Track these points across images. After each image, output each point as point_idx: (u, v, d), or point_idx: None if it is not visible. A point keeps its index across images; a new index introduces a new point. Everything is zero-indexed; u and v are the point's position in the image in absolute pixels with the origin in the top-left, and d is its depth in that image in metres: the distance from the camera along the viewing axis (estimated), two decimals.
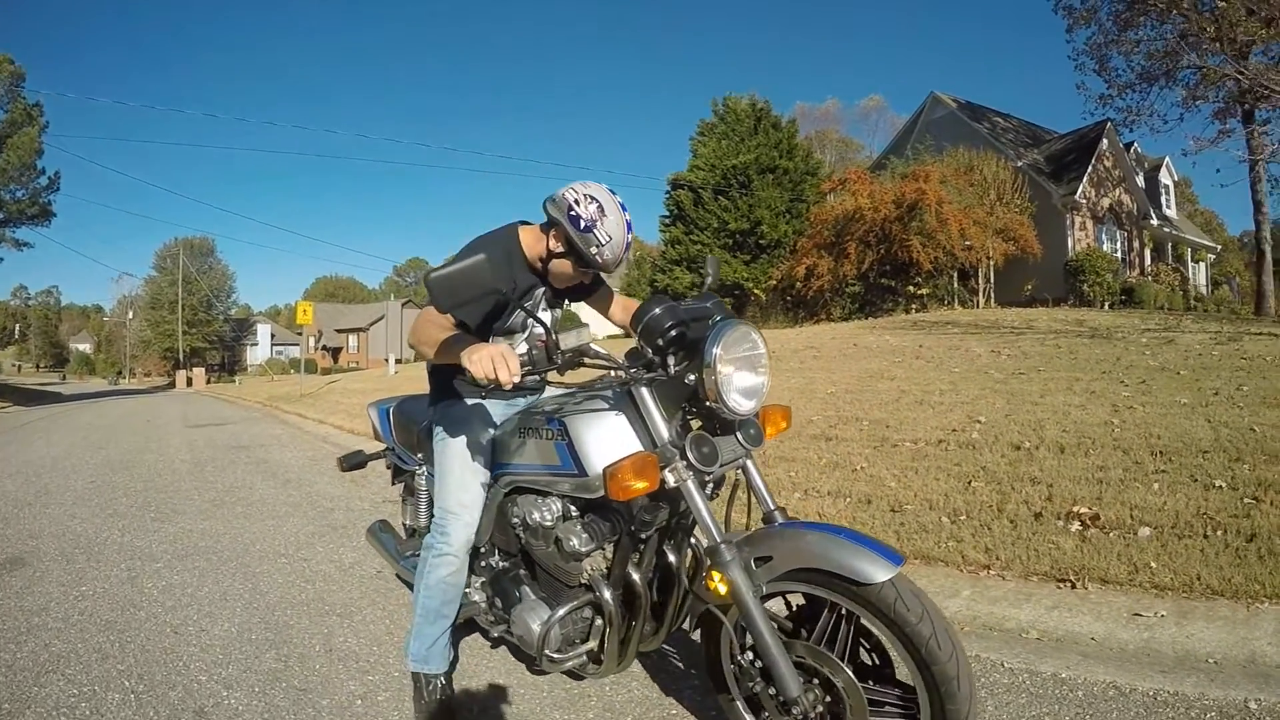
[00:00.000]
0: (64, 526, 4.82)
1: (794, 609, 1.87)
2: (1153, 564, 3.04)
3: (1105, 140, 22.83)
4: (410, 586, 3.33)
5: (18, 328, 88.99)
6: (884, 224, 19.07)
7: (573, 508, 2.00)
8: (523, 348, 2.06)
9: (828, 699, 1.66)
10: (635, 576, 1.91)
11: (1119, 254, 23.43)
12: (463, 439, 2.21)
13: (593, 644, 2.03)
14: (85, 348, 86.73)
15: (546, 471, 1.98)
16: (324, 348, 57.98)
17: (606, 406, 1.90)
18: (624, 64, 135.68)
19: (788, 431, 2.85)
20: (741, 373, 1.80)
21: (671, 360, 1.81)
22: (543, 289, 2.22)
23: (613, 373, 1.88)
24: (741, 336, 1.79)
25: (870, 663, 1.74)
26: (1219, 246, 32.21)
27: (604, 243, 2.00)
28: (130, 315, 63.37)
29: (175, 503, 5.61)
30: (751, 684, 1.73)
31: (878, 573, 1.54)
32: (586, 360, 1.78)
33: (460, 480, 2.19)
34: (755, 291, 24.40)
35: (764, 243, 25.67)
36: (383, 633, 2.91)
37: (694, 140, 28.35)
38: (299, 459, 8.16)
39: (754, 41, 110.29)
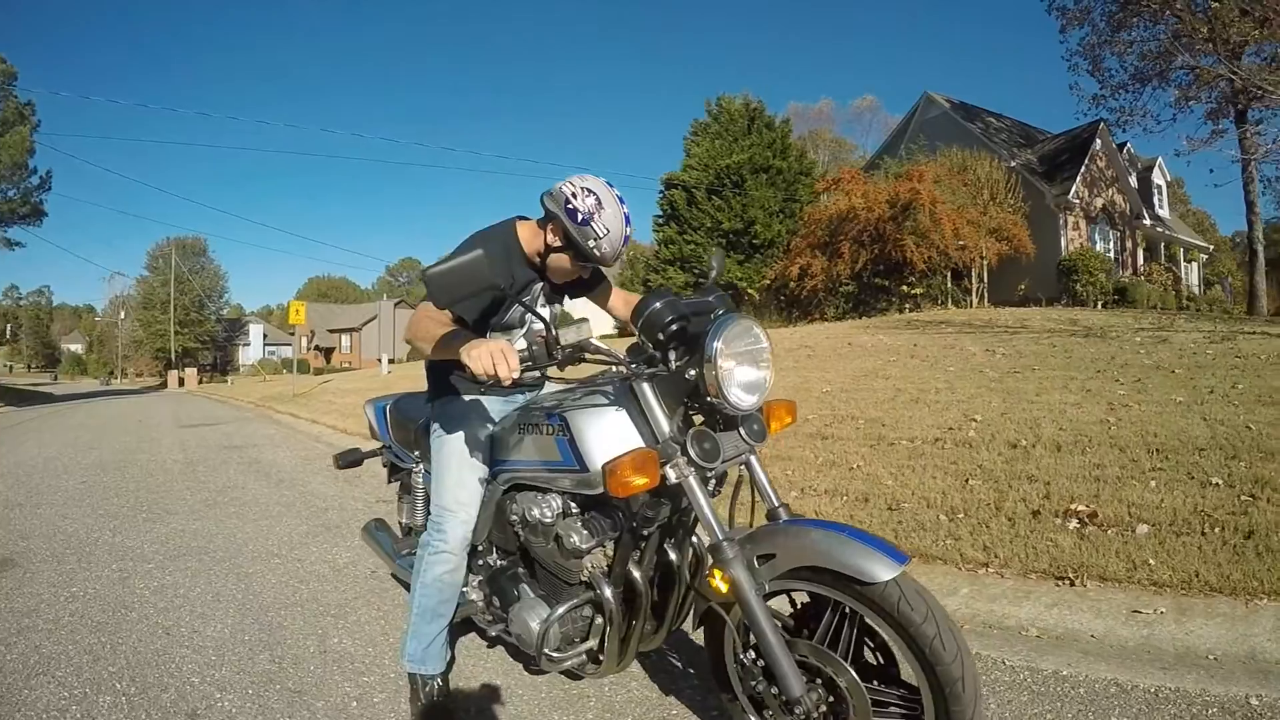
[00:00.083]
0: (55, 527, 4.77)
1: (798, 607, 1.85)
2: (1151, 561, 3.03)
3: (1098, 140, 22.89)
4: (406, 585, 3.30)
5: (9, 328, 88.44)
6: (878, 224, 19.07)
7: (573, 504, 1.98)
8: (521, 344, 2.04)
9: (831, 699, 1.64)
10: (636, 574, 1.88)
11: (1112, 254, 23.50)
12: (460, 436, 2.19)
13: (592, 643, 2.01)
14: (77, 348, 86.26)
15: (547, 467, 1.96)
16: (316, 348, 57.81)
17: (607, 402, 1.88)
18: (618, 64, 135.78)
19: (789, 428, 2.83)
20: (743, 367, 1.78)
21: (673, 355, 1.79)
22: (541, 284, 2.20)
23: (613, 368, 1.85)
24: (743, 331, 1.77)
25: (874, 662, 1.72)
26: (1211, 247, 32.36)
27: (602, 236, 1.98)
28: (122, 315, 63.02)
29: (167, 503, 5.56)
30: (754, 683, 1.71)
31: (882, 571, 1.52)
32: (587, 355, 1.76)
33: (458, 478, 2.17)
34: (749, 291, 24.40)
35: (758, 242, 25.68)
36: (378, 633, 2.88)
37: (688, 140, 28.36)
38: (292, 459, 8.12)
39: (748, 42, 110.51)
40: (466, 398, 2.28)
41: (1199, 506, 3.52)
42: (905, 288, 19.43)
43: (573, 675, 2.39)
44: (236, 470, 7.24)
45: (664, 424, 1.76)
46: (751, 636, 1.69)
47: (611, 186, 2.03)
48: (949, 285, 19.80)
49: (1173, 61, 17.49)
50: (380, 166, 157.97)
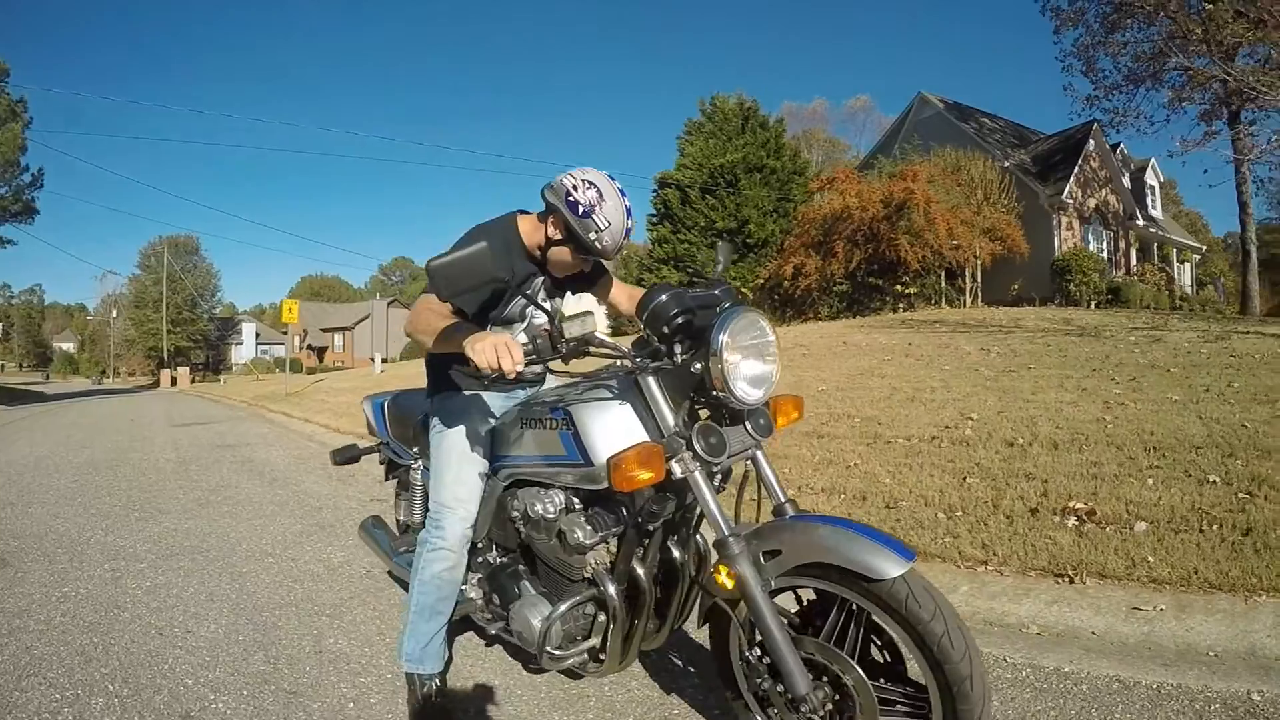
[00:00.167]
0: (46, 526, 4.72)
1: (804, 604, 1.83)
2: (1150, 558, 3.03)
3: (1092, 141, 23.00)
4: (404, 584, 3.27)
5: (1, 327, 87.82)
6: (872, 223, 19.09)
7: (576, 500, 1.96)
8: (522, 338, 2.02)
9: (837, 697, 1.62)
10: (640, 571, 1.86)
11: (1105, 254, 23.61)
12: (461, 431, 2.17)
13: (594, 641, 1.99)
14: (69, 347, 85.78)
15: (550, 462, 1.94)
16: (309, 347, 57.61)
17: (612, 395, 1.86)
18: (612, 62, 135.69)
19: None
20: (749, 361, 1.76)
21: (678, 348, 1.77)
22: (541, 279, 2.18)
23: (618, 362, 1.84)
24: (750, 324, 1.75)
25: (881, 660, 1.71)
26: (1204, 247, 32.54)
27: (603, 228, 1.96)
28: (114, 314, 62.74)
29: (160, 502, 5.52)
30: (760, 680, 1.70)
31: (890, 568, 1.50)
32: (592, 348, 1.73)
33: (457, 474, 2.15)
34: (743, 290, 24.38)
35: (751, 242, 25.69)
36: (374, 633, 2.86)
37: (681, 139, 28.37)
38: (285, 458, 8.07)
39: (742, 41, 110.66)
40: (466, 393, 2.26)
41: (1197, 504, 3.52)
42: (899, 287, 19.45)
43: (573, 674, 2.37)
44: (229, 469, 7.19)
45: (669, 418, 1.74)
46: (757, 633, 1.68)
47: (613, 179, 2.01)
48: (943, 285, 19.84)
49: (1166, 63, 17.56)
50: (375, 165, 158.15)
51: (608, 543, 1.92)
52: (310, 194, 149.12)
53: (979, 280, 20.10)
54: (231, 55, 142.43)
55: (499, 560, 2.30)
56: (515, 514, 2.11)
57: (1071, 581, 2.98)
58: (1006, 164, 21.66)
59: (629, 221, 2.01)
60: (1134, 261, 24.91)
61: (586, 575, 1.94)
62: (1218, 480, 3.81)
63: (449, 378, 2.27)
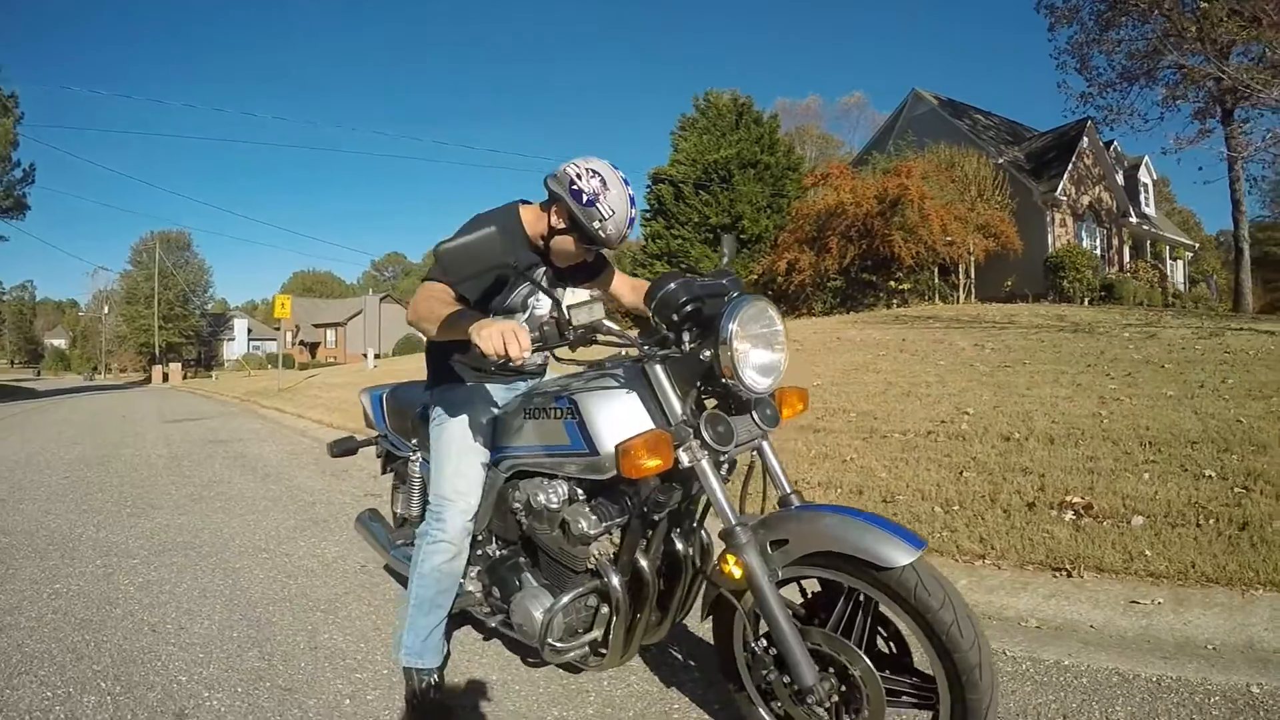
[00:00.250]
0: (38, 523, 4.68)
1: (809, 596, 1.82)
2: (1147, 552, 3.03)
3: (1086, 138, 23.04)
4: (400, 577, 3.26)
5: None
6: (866, 219, 19.09)
7: (579, 490, 1.94)
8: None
9: (843, 688, 1.61)
10: (643, 563, 1.85)
11: (1098, 251, 23.67)
12: (461, 423, 2.15)
13: (596, 633, 1.97)
14: (60, 343, 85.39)
15: (553, 452, 1.93)
16: (301, 343, 57.41)
17: (618, 384, 1.84)
18: (605, 59, 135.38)
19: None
20: (758, 350, 1.75)
21: (686, 336, 1.75)
22: (544, 269, 2.17)
23: (623, 352, 1.82)
24: (759, 313, 1.74)
25: (887, 651, 1.70)
26: (1196, 245, 32.68)
27: (607, 217, 1.96)
28: (106, 310, 62.41)
29: (152, 498, 5.48)
30: (765, 672, 1.68)
31: (899, 556, 1.49)
32: (599, 336, 1.72)
33: (457, 466, 2.13)
34: None
35: (745, 237, 25.65)
36: (369, 629, 2.83)
37: (675, 135, 28.29)
38: (278, 453, 8.03)
39: (736, 38, 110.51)
40: (468, 384, 2.25)
41: (1193, 498, 3.53)
42: (893, 283, 19.47)
43: (572, 669, 2.35)
44: (222, 465, 7.15)
45: (677, 406, 1.72)
46: (762, 625, 1.67)
47: (616, 168, 2.00)
48: (936, 281, 19.86)
49: (1160, 60, 17.60)
50: (369, 160, 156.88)
51: (611, 534, 1.90)
52: (303, 189, 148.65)
53: (972, 276, 20.15)
54: (225, 50, 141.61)
55: (499, 553, 2.29)
56: (517, 505, 2.09)
57: (1069, 575, 2.98)
58: (1000, 160, 21.68)
59: (632, 210, 2.01)
60: (1127, 258, 25.00)
61: (589, 566, 1.93)
62: (1213, 475, 3.82)
63: (449, 369, 2.26)
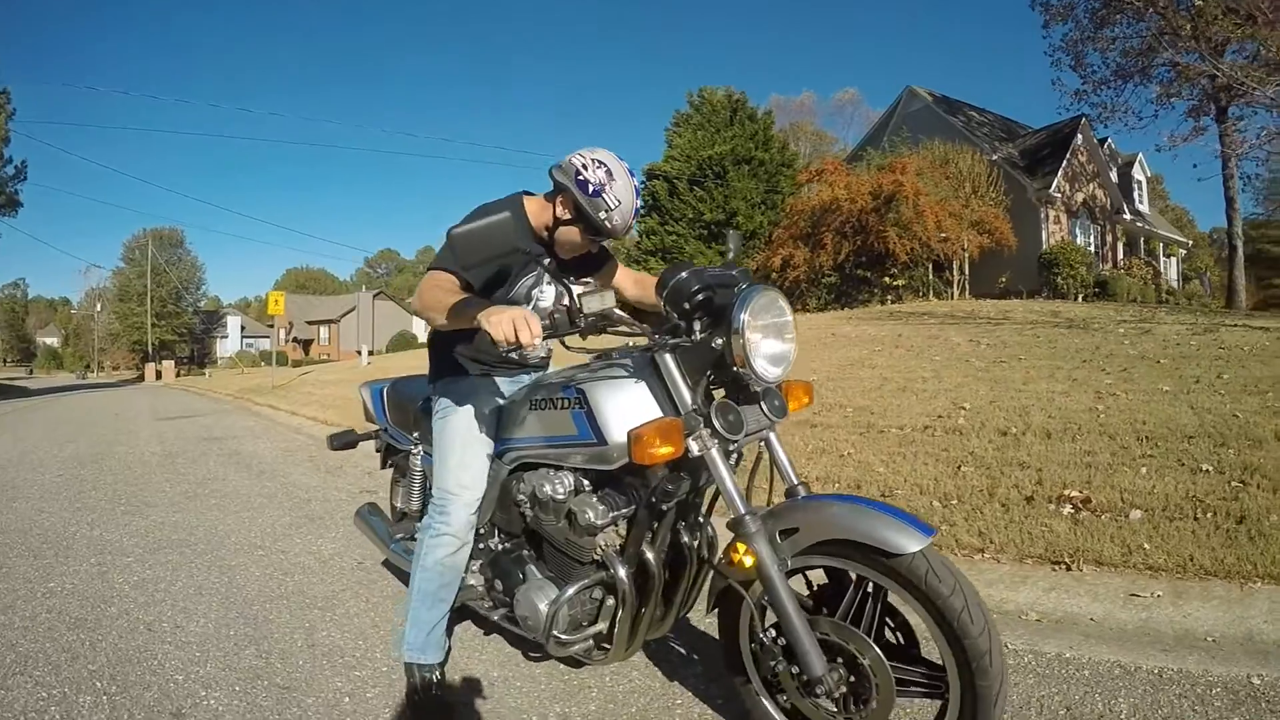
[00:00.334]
0: (31, 521, 4.64)
1: (814, 589, 1.82)
2: (1146, 546, 3.04)
3: (1080, 135, 23.08)
4: (399, 572, 3.25)
5: None
6: (860, 215, 19.10)
7: (585, 481, 1.94)
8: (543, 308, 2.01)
9: (852, 679, 1.61)
10: (649, 555, 1.84)
11: (1092, 248, 23.73)
12: (465, 416, 2.14)
13: (601, 626, 1.97)
14: (53, 341, 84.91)
15: (560, 443, 1.92)
16: (295, 340, 57.27)
17: (627, 374, 1.83)
18: (599, 56, 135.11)
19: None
20: (769, 339, 1.74)
21: (697, 325, 1.75)
22: (548, 260, 2.15)
23: (630, 341, 1.81)
24: (769, 303, 1.74)
25: (895, 642, 1.69)
26: (1190, 242, 32.79)
27: (613, 207, 1.95)
28: (98, 308, 62.07)
29: (146, 495, 5.44)
30: (773, 663, 1.68)
31: (909, 543, 1.49)
32: (610, 324, 1.71)
33: (461, 459, 2.12)
34: None
35: (728, 232, 25.63)
36: (367, 626, 2.81)
37: (669, 131, 28.25)
38: (272, 450, 8.00)
39: (730, 34, 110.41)
40: (471, 376, 2.24)
41: (1190, 492, 3.54)
42: (887, 279, 19.50)
43: (574, 664, 2.34)
44: (216, 462, 7.11)
45: (686, 395, 1.72)
46: (770, 616, 1.67)
47: (621, 159, 2.00)
48: (930, 277, 19.90)
49: (1155, 58, 17.64)
50: (363, 157, 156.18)
51: (617, 525, 1.90)
52: (297, 186, 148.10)
53: (967, 273, 20.17)
54: (220, 46, 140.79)
55: (502, 546, 2.28)
56: (521, 497, 2.09)
57: (1069, 569, 2.98)
58: (995, 157, 21.73)
59: (638, 201, 2.01)
60: (1121, 255, 25.07)
61: (595, 558, 1.92)
62: (1210, 469, 3.82)
63: (453, 362, 2.25)
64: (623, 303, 2.45)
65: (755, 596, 1.73)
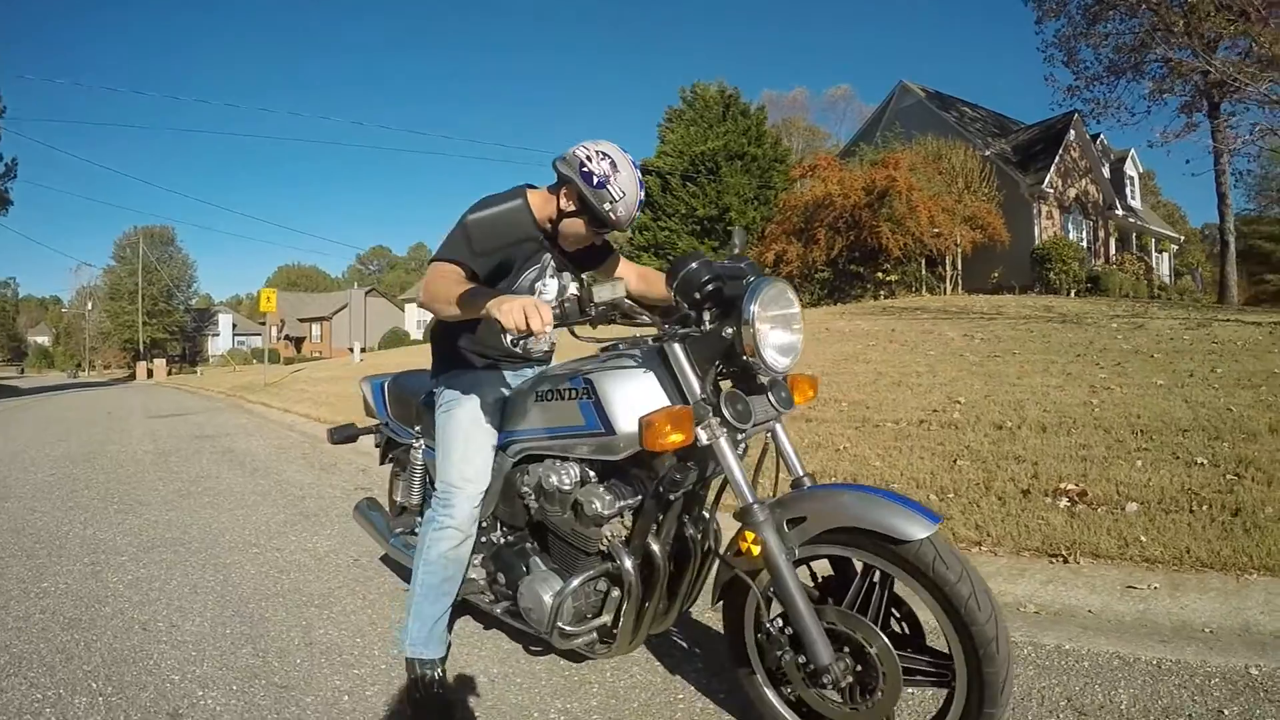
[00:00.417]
0: (23, 521, 4.60)
1: (819, 580, 1.82)
2: (1142, 538, 3.05)
3: (1072, 131, 23.17)
4: (398, 569, 3.23)
5: None
6: (854, 210, 19.13)
7: (591, 472, 1.94)
8: (550, 296, 2.03)
9: (858, 668, 1.61)
10: (655, 547, 1.85)
11: (1085, 243, 23.82)
12: (469, 409, 2.14)
13: (606, 618, 1.97)
14: (44, 340, 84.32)
15: (566, 433, 1.92)
16: (287, 337, 56.96)
17: (635, 364, 1.84)
18: (591, 51, 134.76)
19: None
20: (777, 330, 1.75)
21: (707, 316, 1.76)
22: (550, 253, 2.16)
23: (638, 332, 1.82)
24: (778, 294, 1.75)
25: (900, 632, 1.70)
26: (1181, 238, 32.95)
27: (618, 199, 1.96)
28: (89, 306, 61.69)
29: (139, 494, 5.40)
30: (780, 653, 1.68)
31: (916, 530, 1.50)
32: (620, 314, 1.71)
33: (465, 452, 2.12)
34: None
35: (732, 229, 25.61)
36: (365, 623, 2.80)
37: (662, 127, 28.27)
38: (266, 447, 7.96)
39: (722, 29, 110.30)
40: (476, 370, 2.24)
41: (1186, 485, 3.55)
42: (880, 274, 19.55)
43: (574, 660, 2.34)
44: (209, 460, 7.07)
45: (695, 385, 1.73)
46: (775, 606, 1.67)
47: (625, 151, 2.00)
48: (924, 272, 19.98)
49: (1147, 54, 17.73)
50: (355, 153, 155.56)
51: (623, 516, 1.90)
52: (288, 183, 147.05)
53: (959, 268, 20.25)
54: (212, 43, 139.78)
55: (505, 539, 2.28)
56: (526, 489, 2.09)
57: (1065, 561, 2.99)
58: (987, 153, 21.78)
59: (641, 193, 2.02)
60: (1113, 251, 25.19)
61: (601, 548, 1.92)
62: (1205, 462, 3.84)
63: (456, 355, 2.25)
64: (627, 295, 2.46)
65: (762, 586, 1.74)
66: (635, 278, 2.42)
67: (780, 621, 1.71)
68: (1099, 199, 24.74)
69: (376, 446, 3.12)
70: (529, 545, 2.19)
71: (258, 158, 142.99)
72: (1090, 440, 4.42)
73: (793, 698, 1.79)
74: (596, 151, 1.96)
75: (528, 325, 1.58)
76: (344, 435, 3.17)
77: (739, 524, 1.71)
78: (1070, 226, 23.71)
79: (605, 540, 1.90)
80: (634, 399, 1.77)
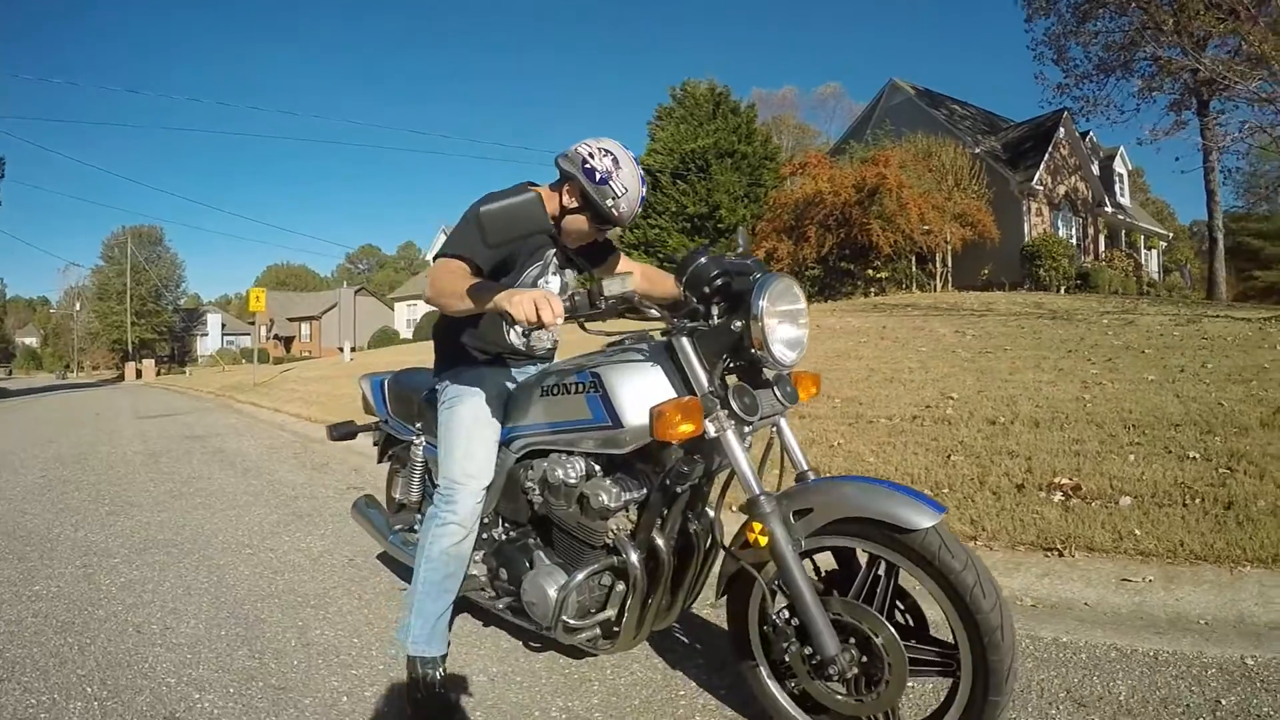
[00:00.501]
0: (14, 523, 4.55)
1: (823, 574, 1.83)
2: (1136, 531, 3.07)
3: (1062, 129, 23.30)
4: (395, 567, 3.22)
5: None
6: (844, 208, 19.18)
7: (597, 466, 1.94)
8: (554, 286, 2.03)
9: (864, 659, 1.62)
10: (659, 541, 1.85)
11: (1074, 240, 23.98)
12: (472, 405, 2.14)
13: (610, 612, 1.97)
14: (32, 341, 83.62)
15: (573, 428, 1.92)
16: (276, 337, 56.67)
17: (642, 358, 1.84)
18: (581, 49, 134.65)
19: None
20: (785, 325, 1.76)
21: (715, 310, 1.77)
22: (553, 250, 2.17)
23: (644, 327, 1.83)
24: (785, 289, 1.76)
25: (905, 623, 1.71)
26: (1170, 234, 33.22)
27: (620, 195, 1.97)
28: (78, 307, 61.21)
29: (130, 495, 5.36)
30: (785, 644, 1.68)
31: (922, 519, 1.51)
32: (629, 308, 1.72)
33: (467, 448, 2.11)
34: None
35: (722, 226, 25.70)
36: (361, 623, 2.78)
37: (652, 125, 28.29)
38: (257, 447, 7.92)
39: (712, 27, 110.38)
40: (479, 366, 2.23)
41: (1179, 479, 3.58)
42: (871, 271, 19.62)
43: (574, 656, 2.33)
44: (200, 460, 7.02)
45: (703, 379, 1.73)
46: (781, 599, 1.68)
47: (627, 148, 2.02)
48: (914, 269, 20.05)
49: (1137, 52, 17.85)
50: (343, 152, 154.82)
51: (628, 510, 1.91)
52: (277, 182, 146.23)
53: (949, 265, 20.32)
54: (205, 42, 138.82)
55: (507, 535, 2.28)
56: (530, 484, 2.09)
57: (1061, 555, 3.01)
58: (977, 150, 21.89)
59: (643, 189, 2.03)
60: (1102, 248, 25.35)
61: (607, 542, 1.92)
62: (1197, 456, 3.87)
63: (460, 351, 2.24)
64: None
65: (768, 578, 1.74)
66: (638, 275, 2.42)
67: (786, 613, 1.71)
68: (1088, 196, 24.89)
69: (375, 445, 3.11)
70: (532, 540, 2.18)
71: (247, 157, 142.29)
72: (1083, 435, 4.45)
73: (797, 691, 1.79)
74: (599, 148, 1.98)
75: (539, 317, 1.58)
76: (344, 432, 3.17)
77: (745, 516, 1.72)
78: (1060, 223, 23.85)
79: (610, 534, 1.90)
80: (641, 393, 1.78)
